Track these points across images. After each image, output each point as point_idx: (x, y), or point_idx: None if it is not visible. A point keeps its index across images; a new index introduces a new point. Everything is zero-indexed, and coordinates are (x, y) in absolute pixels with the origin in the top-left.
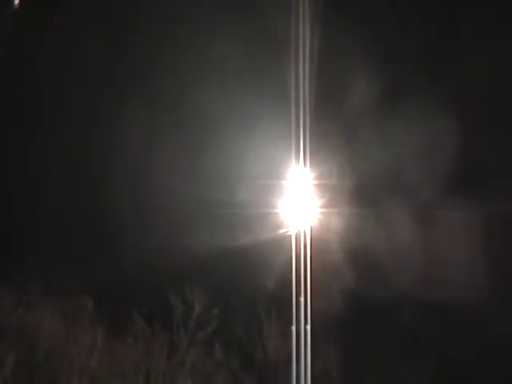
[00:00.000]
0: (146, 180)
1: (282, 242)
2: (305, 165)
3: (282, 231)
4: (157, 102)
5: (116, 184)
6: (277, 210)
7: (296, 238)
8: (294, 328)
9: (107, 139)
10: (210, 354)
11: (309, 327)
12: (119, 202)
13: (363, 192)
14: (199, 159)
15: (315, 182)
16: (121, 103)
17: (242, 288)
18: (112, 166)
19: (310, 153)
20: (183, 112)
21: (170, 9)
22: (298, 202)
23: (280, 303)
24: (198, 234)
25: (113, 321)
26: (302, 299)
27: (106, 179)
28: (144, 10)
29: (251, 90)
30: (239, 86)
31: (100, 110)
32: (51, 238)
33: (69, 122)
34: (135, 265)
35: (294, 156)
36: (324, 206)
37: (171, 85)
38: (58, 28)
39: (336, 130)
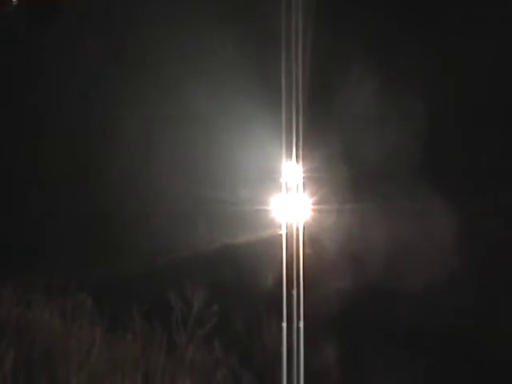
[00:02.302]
0: (145, 179)
1: (280, 238)
2: (297, 160)
3: (278, 226)
4: (150, 100)
5: (116, 183)
6: (271, 206)
7: (287, 228)
8: (284, 325)
9: (107, 138)
10: (210, 351)
11: (302, 324)
12: (118, 199)
13: (358, 187)
14: (191, 156)
15: (308, 176)
16: (119, 102)
17: (241, 285)
18: (112, 165)
19: (303, 149)
20: (172, 109)
21: (159, 7)
22: (290, 196)
23: (280, 300)
24: (195, 231)
25: (112, 318)
26: (294, 292)
27: (106, 178)
28: (139, 9)
29: (243, 85)
30: (231, 83)
31: (99, 109)
32: (51, 236)
33: (68, 122)
34: (134, 262)
35: (286, 151)
36: (317, 200)
37: (163, 85)
38: (56, 28)
39: (330, 125)
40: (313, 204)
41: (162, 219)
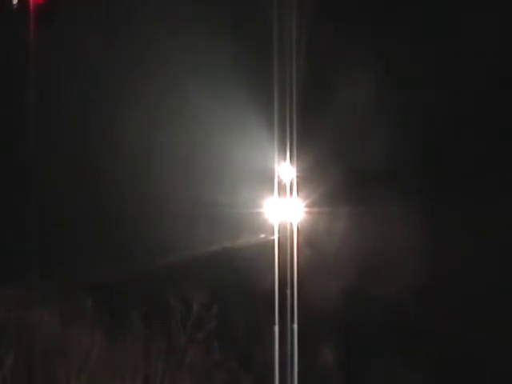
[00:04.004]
0: (145, 181)
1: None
2: (291, 161)
3: (272, 228)
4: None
5: (117, 184)
6: (265, 208)
7: (281, 231)
8: (276, 328)
9: (107, 139)
10: (209, 353)
11: (296, 326)
12: (119, 201)
13: (352, 188)
14: (187, 158)
15: (301, 179)
16: (117, 103)
17: (236, 286)
18: (112, 167)
19: (297, 149)
20: (166, 109)
21: (155, 6)
22: (284, 198)
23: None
24: (195, 233)
25: (111, 320)
26: (288, 294)
27: (106, 179)
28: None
29: (237, 86)
30: (226, 82)
31: (97, 110)
32: (51, 237)
33: (68, 123)
34: (134, 264)
35: (281, 155)
36: (311, 202)
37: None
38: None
39: (324, 125)
40: (306, 206)
41: (159, 220)
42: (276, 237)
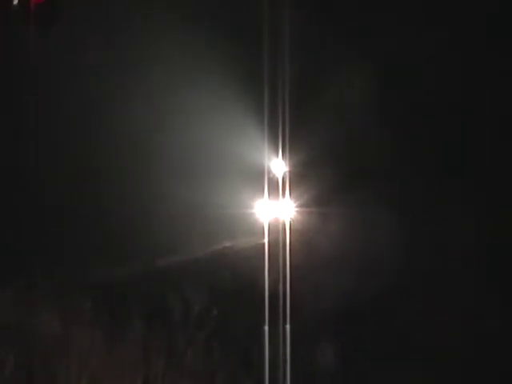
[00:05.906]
0: (145, 181)
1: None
2: (284, 159)
3: (262, 230)
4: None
5: (116, 183)
6: (257, 206)
7: (271, 229)
8: (266, 328)
9: (106, 139)
10: (209, 354)
11: (288, 327)
12: (119, 201)
13: (347, 188)
14: (182, 159)
15: (293, 175)
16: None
17: (239, 288)
18: (111, 167)
19: (290, 148)
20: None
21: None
22: (276, 196)
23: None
24: (193, 233)
25: (111, 321)
26: (280, 286)
27: (105, 180)
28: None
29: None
30: (215, 77)
31: (97, 110)
32: (51, 237)
33: (69, 123)
34: (134, 264)
35: (271, 150)
36: (303, 201)
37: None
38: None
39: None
40: (298, 206)
41: (164, 222)
42: (266, 238)
